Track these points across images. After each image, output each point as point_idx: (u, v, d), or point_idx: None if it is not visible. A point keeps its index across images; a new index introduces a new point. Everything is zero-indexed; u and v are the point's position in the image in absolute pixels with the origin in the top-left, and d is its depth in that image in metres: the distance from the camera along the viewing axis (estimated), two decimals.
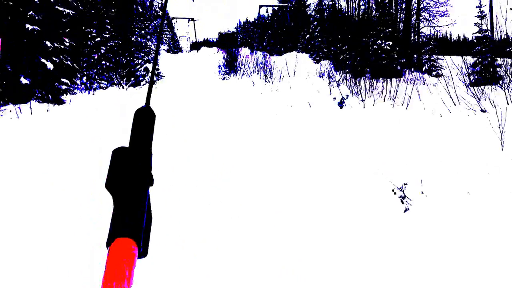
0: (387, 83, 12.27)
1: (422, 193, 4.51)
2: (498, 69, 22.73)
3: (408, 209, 4.37)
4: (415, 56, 34.60)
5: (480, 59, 22.92)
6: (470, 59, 23.91)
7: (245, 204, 5.38)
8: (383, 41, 30.04)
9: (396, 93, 10.80)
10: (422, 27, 36.85)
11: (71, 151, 7.94)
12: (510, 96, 8.43)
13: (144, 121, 0.92)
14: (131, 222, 0.78)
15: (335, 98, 11.66)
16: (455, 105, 9.68)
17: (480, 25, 23.48)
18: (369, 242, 4.03)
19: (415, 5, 36.74)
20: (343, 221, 4.47)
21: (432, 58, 32.10)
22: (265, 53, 42.66)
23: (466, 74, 23.91)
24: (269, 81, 22.49)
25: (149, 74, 26.25)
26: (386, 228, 4.16)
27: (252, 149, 8.01)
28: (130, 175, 0.83)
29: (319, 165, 6.60)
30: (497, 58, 23.03)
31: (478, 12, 23.67)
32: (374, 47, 30.10)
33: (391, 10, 34.53)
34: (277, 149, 7.83)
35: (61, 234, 4.35)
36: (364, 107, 10.27)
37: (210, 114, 11.98)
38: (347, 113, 9.84)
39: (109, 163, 0.85)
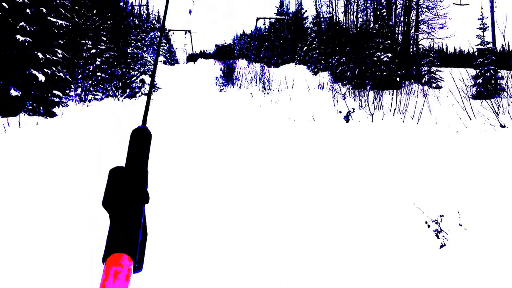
0: (395, 95, 11.55)
1: (461, 225, 3.84)
2: (500, 81, 22.22)
3: (444, 244, 3.70)
4: (413, 67, 34.14)
5: (482, 71, 22.40)
6: (470, 71, 23.44)
7: (241, 217, 4.93)
8: (382, 53, 29.56)
9: (406, 107, 10.15)
10: (421, 39, 36.43)
11: (57, 167, 7.29)
12: None
13: (140, 140, 0.96)
14: (126, 238, 0.80)
15: (340, 112, 11.05)
16: (470, 119, 9.03)
17: (482, 37, 22.98)
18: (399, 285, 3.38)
19: (414, 17, 36.33)
20: (362, 262, 3.83)
21: (431, 70, 31.61)
22: (262, 65, 42.21)
23: (469, 86, 23.46)
24: (268, 93, 21.91)
25: (146, 86, 25.77)
26: (418, 269, 3.50)
27: (251, 164, 7.37)
28: (126, 193, 0.86)
29: (331, 187, 5.94)
30: (499, 70, 22.55)
31: (480, 24, 23.17)
32: (374, 59, 29.60)
33: (390, 23, 34.08)
34: (280, 165, 7.19)
35: (53, 251, 4.13)
36: (372, 121, 9.62)
37: (208, 127, 11.35)
38: (354, 128, 9.19)
39: (105, 181, 0.88)
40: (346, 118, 9.92)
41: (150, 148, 0.97)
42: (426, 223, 3.90)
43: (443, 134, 7.99)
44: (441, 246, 3.71)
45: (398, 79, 29.36)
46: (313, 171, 6.80)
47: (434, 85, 30.84)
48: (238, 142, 9.20)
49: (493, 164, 5.88)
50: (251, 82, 27.37)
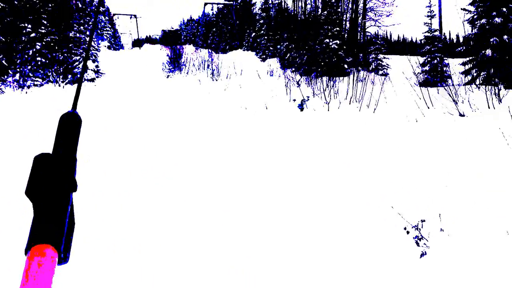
0: (351, 83, 11.09)
1: (442, 230, 3.43)
2: (446, 68, 22.43)
3: (425, 253, 3.28)
4: (361, 55, 34.20)
5: (429, 59, 22.53)
6: (415, 59, 23.57)
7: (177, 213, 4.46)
8: (331, 40, 29.41)
9: (362, 95, 9.77)
10: (368, 27, 36.48)
11: None
12: (492, 98, 7.58)
13: (69, 126, 0.90)
14: (50, 228, 0.75)
15: (294, 100, 10.59)
16: (428, 108, 8.75)
17: (430, 25, 23.08)
18: None
19: (362, 4, 36.32)
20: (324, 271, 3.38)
21: (378, 57, 31.71)
22: (210, 51, 41.49)
23: (416, 74, 23.59)
24: (217, 80, 21.29)
25: (89, 72, 24.63)
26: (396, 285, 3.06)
27: (201, 156, 6.82)
28: (51, 181, 0.80)
29: (288, 183, 5.47)
30: (445, 58, 22.76)
31: (427, 12, 23.26)
32: (322, 45, 29.39)
33: (338, 10, 33.96)
34: (232, 157, 6.68)
35: None
36: (328, 110, 9.21)
37: (155, 114, 10.68)
38: (309, 117, 8.73)
39: (30, 169, 0.82)
40: (301, 107, 9.47)
41: (79, 134, 0.91)
42: (405, 228, 3.47)
43: (402, 124, 7.66)
44: (422, 255, 3.29)
45: (346, 66, 29.32)
46: (268, 163, 6.32)
47: (381, 72, 30.96)
48: (187, 132, 8.63)
49: (461, 156, 5.57)
50: (198, 68, 26.70)
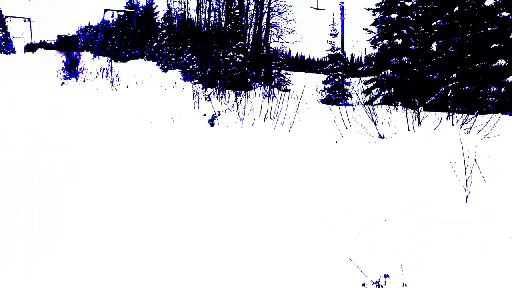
0: (268, 99, 10.40)
1: (405, 286, 2.81)
2: (347, 86, 22.72)
3: None
4: (263, 70, 34.16)
5: (331, 76, 22.69)
6: (318, 76, 23.73)
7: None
8: (235, 54, 28.99)
9: (277, 113, 9.16)
10: (271, 42, 36.60)
11: None
12: (413, 122, 7.26)
13: None
14: None
15: (204, 115, 9.82)
16: (346, 128, 8.34)
17: (333, 43, 23.28)
18: None
19: (265, 20, 36.38)
20: None
21: (281, 73, 31.80)
22: (109, 59, 39.70)
23: (319, 90, 23.74)
24: (116, 89, 19.97)
25: None
26: None
27: (102, 177, 5.85)
28: None
29: (200, 208, 4.71)
30: (347, 77, 23.07)
31: (331, 30, 23.46)
32: (226, 59, 28.90)
33: (243, 24, 33.74)
34: (137, 177, 5.79)
35: None
36: (242, 127, 8.53)
37: (46, 124, 9.41)
38: (222, 134, 7.98)
39: None
40: (211, 122, 8.74)
41: None
42: (363, 285, 2.81)
43: (321, 145, 7.15)
44: None
45: (249, 80, 29.07)
46: (174, 182, 5.50)
47: (283, 87, 31.02)
48: (83, 147, 7.56)
49: (390, 183, 5.10)
50: (96, 77, 25.13)
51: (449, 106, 10.49)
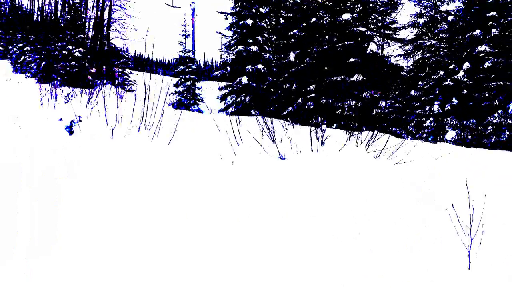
0: (138, 102, 8.47)
1: None
2: (199, 91, 21.67)
3: None
4: (104, 67, 31.55)
5: (182, 79, 21.40)
6: (168, 79, 22.34)
7: None
8: (74, 47, 26.27)
9: (151, 119, 7.59)
10: (113, 38, 34.03)
11: None
12: (317, 144, 6.34)
13: None
14: None
15: (61, 119, 7.96)
16: (238, 145, 7.12)
17: (184, 44, 22.05)
18: None
19: (107, 14, 33.77)
20: None
21: (126, 72, 29.68)
22: None
23: (169, 94, 22.29)
24: None
25: None
26: None
27: None
28: None
29: None
30: (198, 81, 21.94)
31: (182, 31, 22.25)
32: (64, 52, 26.07)
33: (83, 15, 30.91)
34: None
35: None
36: (112, 138, 6.87)
37: None
38: (85, 146, 6.25)
39: None
40: (69, 129, 6.94)
41: None
42: None
43: (213, 164, 5.86)
44: None
45: (90, 77, 26.56)
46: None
47: (127, 87, 29.01)
48: None
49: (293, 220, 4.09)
50: None
51: (308, 118, 10.05)
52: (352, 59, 14.53)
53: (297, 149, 6.50)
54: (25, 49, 30.30)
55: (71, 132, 7.06)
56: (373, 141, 7.19)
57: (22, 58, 30.05)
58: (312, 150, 6.45)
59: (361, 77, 14.07)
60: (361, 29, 14.98)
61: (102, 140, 6.75)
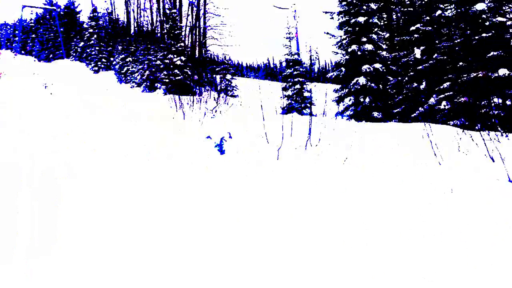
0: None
1: None
2: (307, 94, 20.27)
3: None
4: (203, 74, 31.04)
5: (291, 83, 20.10)
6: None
7: None
8: (175, 56, 25.79)
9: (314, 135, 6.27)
10: (209, 45, 33.58)
11: None
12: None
13: None
14: None
15: (209, 137, 6.84)
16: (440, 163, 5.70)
17: (289, 47, 20.77)
18: None
19: (202, 22, 33.36)
20: None
21: (227, 78, 28.93)
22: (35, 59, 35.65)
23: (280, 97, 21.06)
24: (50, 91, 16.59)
25: None
26: None
27: None
28: None
29: None
30: (307, 83, 20.56)
31: (286, 33, 21.05)
32: (166, 61, 25.72)
33: (181, 24, 30.65)
34: None
35: None
36: (278, 159, 5.52)
37: None
38: (242, 171, 4.90)
39: None
40: (220, 148, 5.72)
41: None
42: None
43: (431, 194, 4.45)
44: None
45: (192, 84, 26.07)
46: None
47: (230, 93, 28.24)
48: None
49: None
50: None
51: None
52: (493, 53, 12.64)
53: None
54: (127, 60, 30.43)
55: (221, 151, 5.88)
56: None
57: (126, 69, 30.19)
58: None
59: (508, 72, 12.15)
60: (500, 19, 13.02)
61: (259, 161, 5.40)
